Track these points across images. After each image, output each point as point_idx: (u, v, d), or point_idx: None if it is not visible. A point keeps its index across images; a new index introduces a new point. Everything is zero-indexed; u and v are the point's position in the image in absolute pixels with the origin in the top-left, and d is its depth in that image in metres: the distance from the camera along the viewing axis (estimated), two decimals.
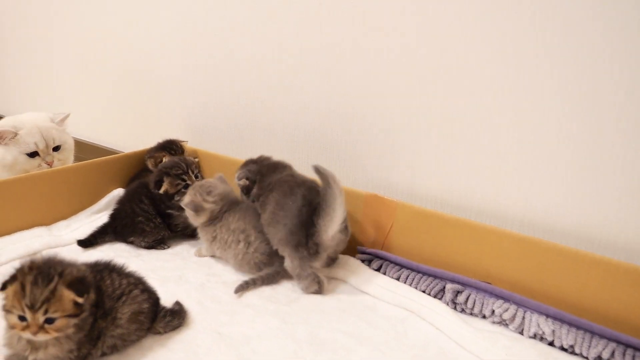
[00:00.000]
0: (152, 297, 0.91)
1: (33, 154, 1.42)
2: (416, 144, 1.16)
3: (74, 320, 0.77)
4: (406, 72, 1.14)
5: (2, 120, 1.47)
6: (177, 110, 1.68)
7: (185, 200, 1.17)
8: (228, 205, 1.18)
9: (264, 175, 1.15)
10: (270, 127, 1.44)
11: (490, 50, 1.02)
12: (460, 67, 1.06)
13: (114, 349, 0.85)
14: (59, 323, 0.75)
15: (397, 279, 1.07)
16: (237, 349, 0.88)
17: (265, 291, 1.07)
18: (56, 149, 1.47)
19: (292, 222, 1.03)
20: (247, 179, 1.16)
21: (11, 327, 0.76)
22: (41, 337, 0.75)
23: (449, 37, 1.06)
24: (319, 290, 1.05)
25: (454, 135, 1.10)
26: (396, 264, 1.09)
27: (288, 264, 1.07)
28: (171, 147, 1.46)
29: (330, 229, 1.01)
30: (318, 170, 1.01)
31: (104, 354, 0.84)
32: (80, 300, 0.76)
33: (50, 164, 1.44)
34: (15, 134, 1.39)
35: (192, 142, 1.59)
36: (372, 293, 1.05)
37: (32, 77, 2.31)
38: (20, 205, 1.29)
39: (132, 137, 1.89)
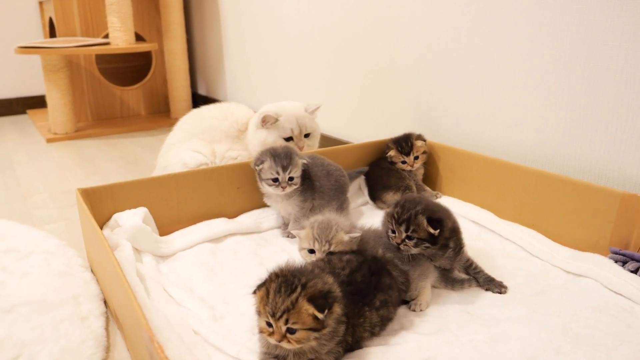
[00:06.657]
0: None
1: (288, 139, 1.61)
2: None
3: (315, 334, 0.74)
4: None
5: (266, 106, 1.69)
6: (413, 105, 1.76)
7: (344, 237, 1.00)
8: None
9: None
10: (513, 121, 1.43)
11: None
12: None
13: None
14: (299, 335, 0.73)
15: None
16: (490, 329, 0.91)
17: (507, 281, 1.07)
18: (306, 135, 1.64)
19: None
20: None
21: (260, 330, 0.77)
22: (286, 346, 0.74)
23: None
24: None
25: None
26: None
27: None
28: (400, 143, 1.55)
29: None
30: None
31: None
32: (319, 315, 0.73)
33: (301, 148, 1.61)
34: (276, 120, 1.59)
35: (428, 135, 1.63)
36: (629, 295, 0.99)
37: (279, 72, 2.59)
38: None
39: (366, 131, 2.01)
